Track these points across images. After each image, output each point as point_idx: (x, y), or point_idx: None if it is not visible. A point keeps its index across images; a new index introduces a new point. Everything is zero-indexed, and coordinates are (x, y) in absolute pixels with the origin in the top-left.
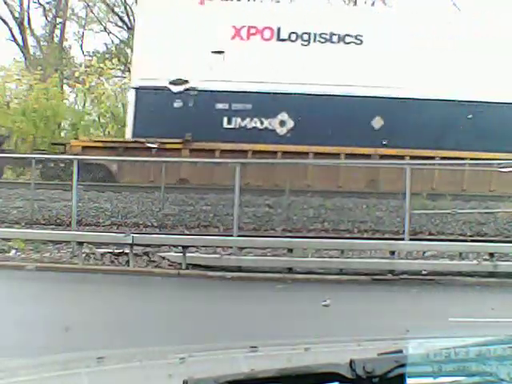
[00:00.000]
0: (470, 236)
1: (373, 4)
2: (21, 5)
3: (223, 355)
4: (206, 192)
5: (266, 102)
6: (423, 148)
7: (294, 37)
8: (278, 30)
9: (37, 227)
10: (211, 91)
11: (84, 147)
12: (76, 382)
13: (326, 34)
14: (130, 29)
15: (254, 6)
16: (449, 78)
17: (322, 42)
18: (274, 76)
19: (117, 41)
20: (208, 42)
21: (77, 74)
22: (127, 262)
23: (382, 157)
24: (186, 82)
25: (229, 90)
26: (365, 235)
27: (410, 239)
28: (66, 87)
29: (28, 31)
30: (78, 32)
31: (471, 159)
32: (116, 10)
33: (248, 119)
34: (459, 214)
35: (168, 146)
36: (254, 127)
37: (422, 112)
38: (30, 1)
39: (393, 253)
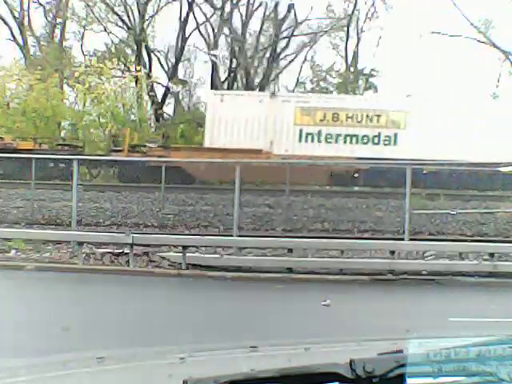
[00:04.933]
0: (470, 236)
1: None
2: (21, 5)
3: (223, 355)
4: (205, 192)
5: None
6: None
7: None
8: None
9: (37, 227)
10: None
11: None
12: (76, 382)
13: None
14: (130, 29)
15: None
16: None
17: None
18: None
19: (117, 41)
20: None
21: (77, 74)
22: (127, 262)
23: None
24: None
25: None
26: (365, 235)
27: (410, 239)
28: (66, 87)
29: (28, 31)
30: (78, 32)
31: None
32: (116, 9)
33: None
34: (459, 214)
35: None
36: None
37: None
38: (29, 1)
39: (393, 253)
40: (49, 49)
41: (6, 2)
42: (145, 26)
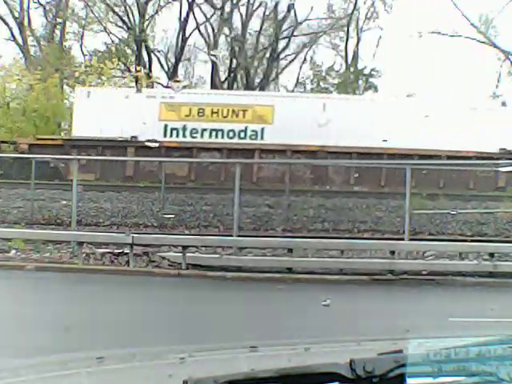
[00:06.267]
0: (470, 236)
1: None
2: (21, 5)
3: (223, 355)
4: (206, 192)
5: None
6: None
7: None
8: None
9: (37, 227)
10: None
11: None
12: (76, 382)
13: None
14: (130, 29)
15: None
16: None
17: None
18: None
19: (117, 41)
20: None
21: (77, 74)
22: (127, 262)
23: None
24: None
25: None
26: (365, 235)
27: (410, 239)
28: (65, 87)
29: (28, 31)
30: (78, 32)
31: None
32: (116, 9)
33: None
34: (459, 214)
35: None
36: None
37: None
38: (29, 1)
39: (393, 253)
40: (49, 49)
41: (5, 2)
42: (145, 26)
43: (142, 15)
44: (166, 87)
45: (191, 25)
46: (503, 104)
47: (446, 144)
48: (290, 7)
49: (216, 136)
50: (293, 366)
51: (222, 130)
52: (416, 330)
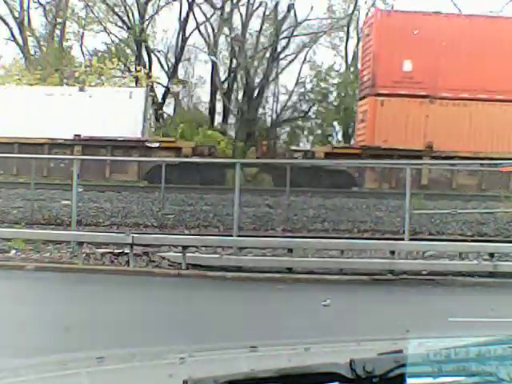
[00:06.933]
0: (470, 236)
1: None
2: (21, 5)
3: (223, 355)
4: (206, 192)
5: None
6: None
7: None
8: None
9: (37, 227)
10: None
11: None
12: (76, 382)
13: None
14: (130, 28)
15: None
16: None
17: None
18: None
19: (117, 41)
20: None
21: (77, 74)
22: (127, 262)
23: None
24: None
25: None
26: (365, 235)
27: (410, 239)
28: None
29: (28, 31)
30: (78, 32)
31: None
32: (116, 9)
33: None
34: (459, 214)
35: None
36: None
37: None
38: (29, 1)
39: (393, 253)
40: (49, 49)
41: (6, 2)
42: (145, 26)
43: (141, 15)
44: (166, 87)
45: (191, 25)
46: (81, 89)
47: (19, 131)
48: (290, 7)
49: None
50: (293, 366)
51: None
52: (416, 330)
